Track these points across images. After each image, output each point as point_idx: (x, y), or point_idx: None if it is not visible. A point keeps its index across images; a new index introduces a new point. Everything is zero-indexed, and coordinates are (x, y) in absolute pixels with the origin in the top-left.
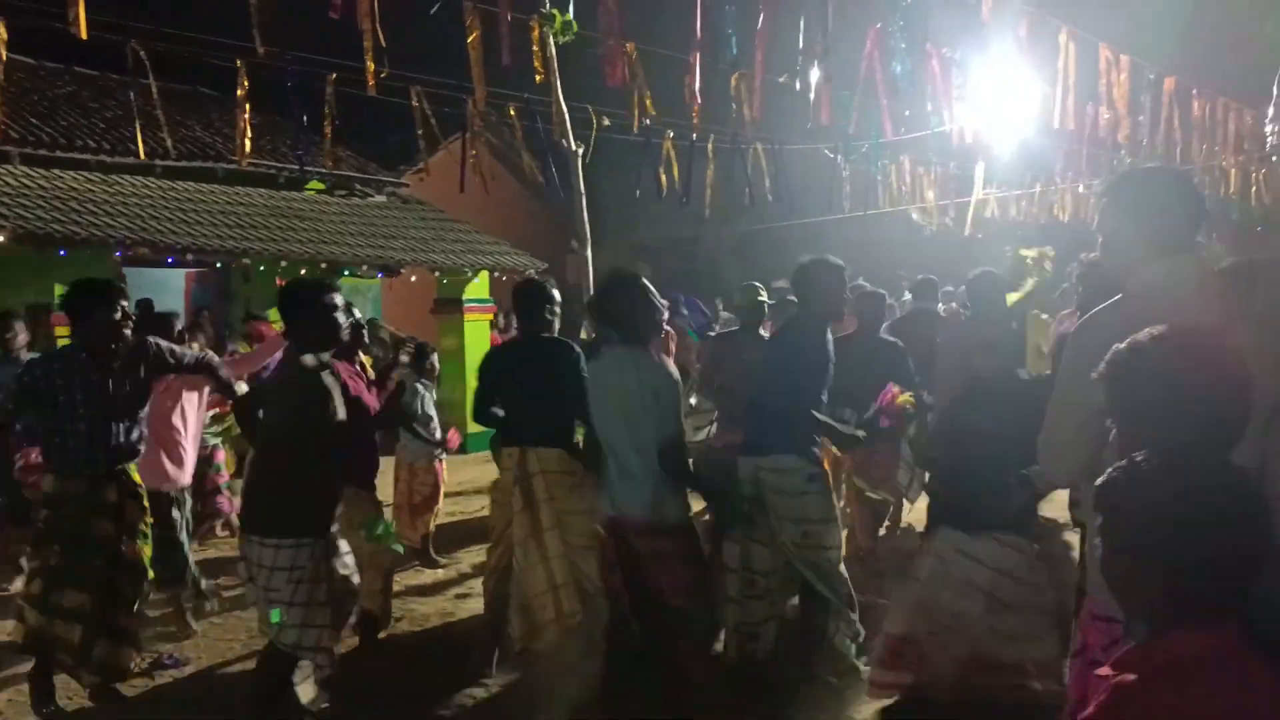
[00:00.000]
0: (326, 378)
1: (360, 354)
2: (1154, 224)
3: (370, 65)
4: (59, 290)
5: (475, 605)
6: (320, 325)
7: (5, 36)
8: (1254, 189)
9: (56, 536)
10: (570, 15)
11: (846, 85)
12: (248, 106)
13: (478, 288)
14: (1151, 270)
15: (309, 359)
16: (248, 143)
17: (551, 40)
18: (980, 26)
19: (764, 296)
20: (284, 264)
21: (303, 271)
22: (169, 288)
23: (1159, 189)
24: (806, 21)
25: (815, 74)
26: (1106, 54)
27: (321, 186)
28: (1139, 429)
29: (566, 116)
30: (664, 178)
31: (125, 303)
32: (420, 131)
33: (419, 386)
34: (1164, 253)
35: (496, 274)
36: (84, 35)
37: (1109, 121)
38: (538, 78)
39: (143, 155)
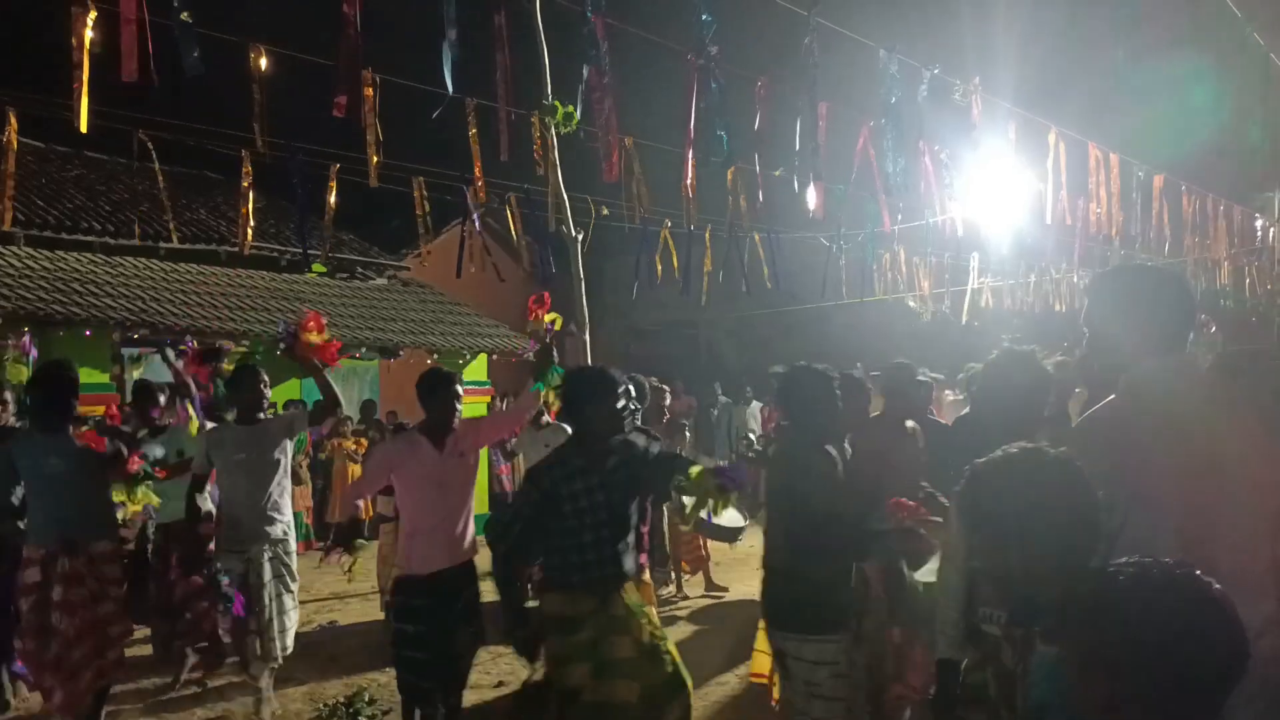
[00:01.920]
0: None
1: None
2: (1144, 322)
3: (373, 159)
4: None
5: (466, 697)
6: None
7: (15, 125)
8: (1248, 280)
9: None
10: (572, 107)
11: (841, 179)
12: (251, 195)
13: (475, 370)
14: (1142, 370)
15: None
16: (250, 231)
17: (552, 130)
18: (971, 126)
19: None
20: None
21: None
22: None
23: (1149, 286)
24: (800, 119)
25: (809, 171)
26: (1096, 153)
27: (324, 269)
28: (992, 546)
29: (566, 204)
30: (661, 266)
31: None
32: (420, 215)
33: None
34: (1155, 352)
35: (494, 356)
36: (84, 129)
37: (1100, 217)
38: (538, 170)
39: (141, 239)
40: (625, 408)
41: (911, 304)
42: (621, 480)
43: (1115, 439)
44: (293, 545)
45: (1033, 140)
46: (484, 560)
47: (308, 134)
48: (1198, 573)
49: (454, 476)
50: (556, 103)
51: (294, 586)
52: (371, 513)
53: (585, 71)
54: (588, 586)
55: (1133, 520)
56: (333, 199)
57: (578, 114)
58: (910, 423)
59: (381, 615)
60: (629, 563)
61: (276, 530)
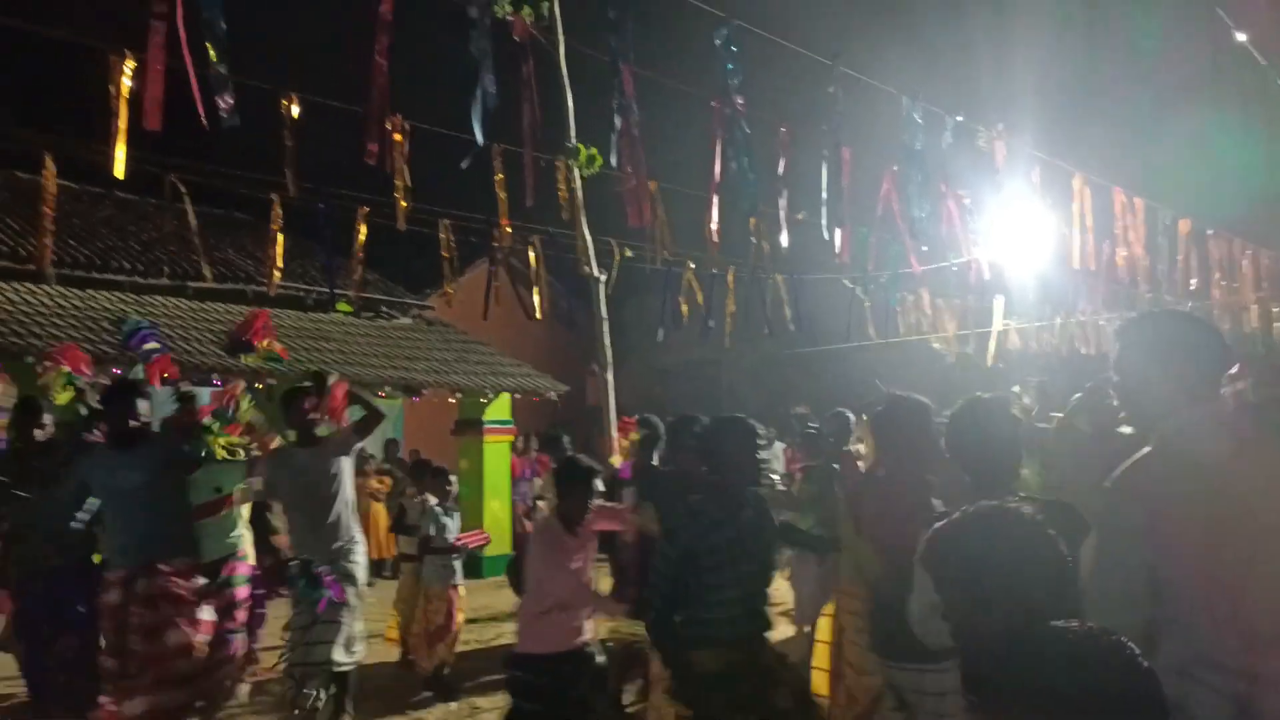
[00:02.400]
0: None
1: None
2: (1176, 371)
3: (401, 205)
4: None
5: None
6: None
7: (55, 170)
8: (1276, 325)
9: None
10: (595, 150)
11: (864, 222)
12: (280, 238)
13: (498, 409)
14: (1176, 424)
15: None
16: (277, 273)
17: (576, 172)
18: (994, 171)
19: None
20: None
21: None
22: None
23: (1181, 333)
24: (825, 164)
25: (834, 214)
26: (1121, 197)
27: (350, 309)
28: (958, 606)
29: (590, 245)
30: (685, 306)
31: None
32: (446, 257)
33: (436, 511)
34: (1188, 402)
35: (518, 395)
36: (120, 174)
37: (1125, 260)
38: (563, 213)
39: (170, 278)
40: (763, 459)
41: (936, 345)
42: (759, 530)
43: (1150, 493)
44: (358, 555)
45: (1057, 185)
46: (505, 600)
47: (334, 173)
48: (1125, 641)
49: (588, 559)
50: (580, 145)
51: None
52: (395, 551)
53: (615, 121)
54: (736, 642)
55: (1167, 576)
56: (360, 240)
57: (600, 158)
58: None
59: (395, 658)
60: (769, 613)
61: (340, 547)
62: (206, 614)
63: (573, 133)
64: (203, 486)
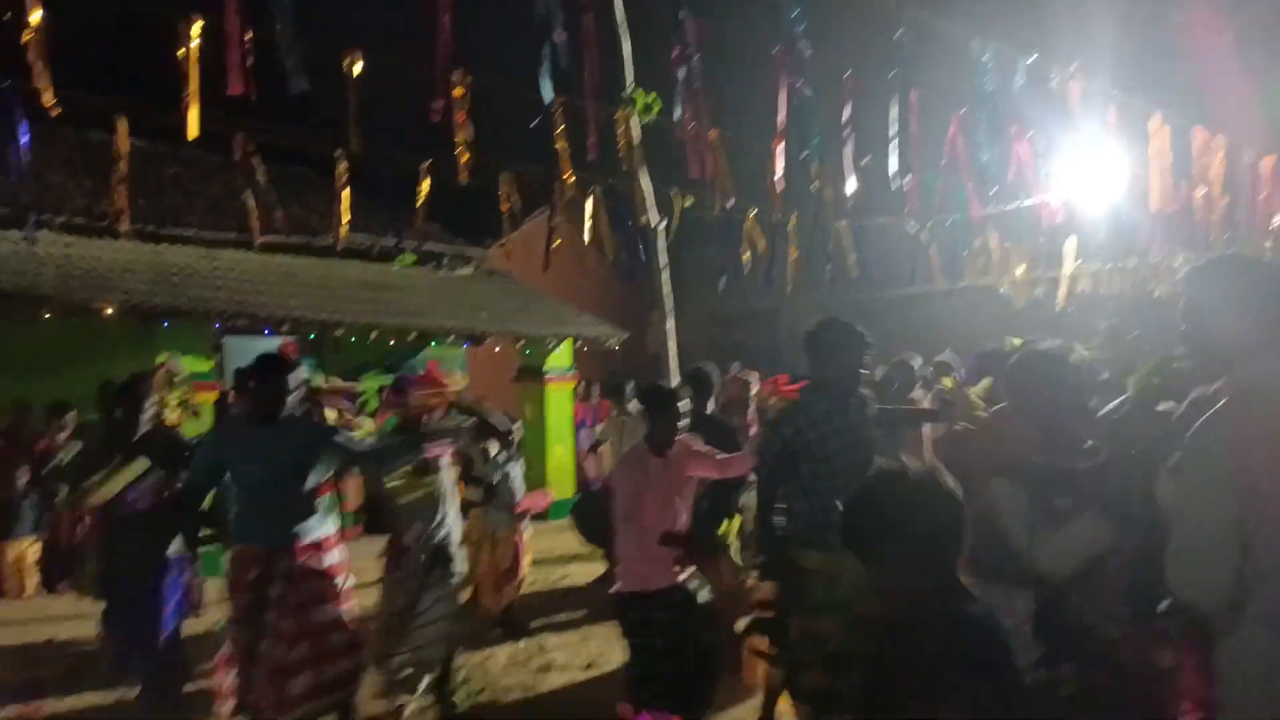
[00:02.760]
0: None
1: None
2: (1250, 318)
3: (463, 159)
4: (160, 359)
5: (556, 679)
6: None
7: (127, 131)
8: None
9: None
10: (654, 96)
11: (932, 165)
12: (344, 194)
13: (560, 357)
14: (1251, 373)
15: None
16: (344, 228)
17: (636, 119)
18: (1069, 113)
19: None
20: (374, 335)
21: (391, 342)
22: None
23: (1255, 279)
24: (891, 109)
25: (897, 162)
26: (1202, 136)
27: (413, 259)
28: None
29: (650, 193)
30: (746, 255)
31: None
32: (506, 212)
33: (499, 459)
34: (1261, 351)
35: (579, 343)
36: (192, 136)
37: (1204, 200)
38: (623, 165)
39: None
40: (865, 366)
41: (1003, 289)
42: (862, 429)
43: (1235, 441)
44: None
45: (1134, 125)
46: (569, 542)
47: (397, 128)
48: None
49: (676, 489)
50: (639, 92)
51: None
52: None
53: (677, 73)
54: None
55: (1257, 526)
56: (423, 195)
57: (659, 103)
58: None
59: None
60: None
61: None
62: (346, 587)
63: (630, 80)
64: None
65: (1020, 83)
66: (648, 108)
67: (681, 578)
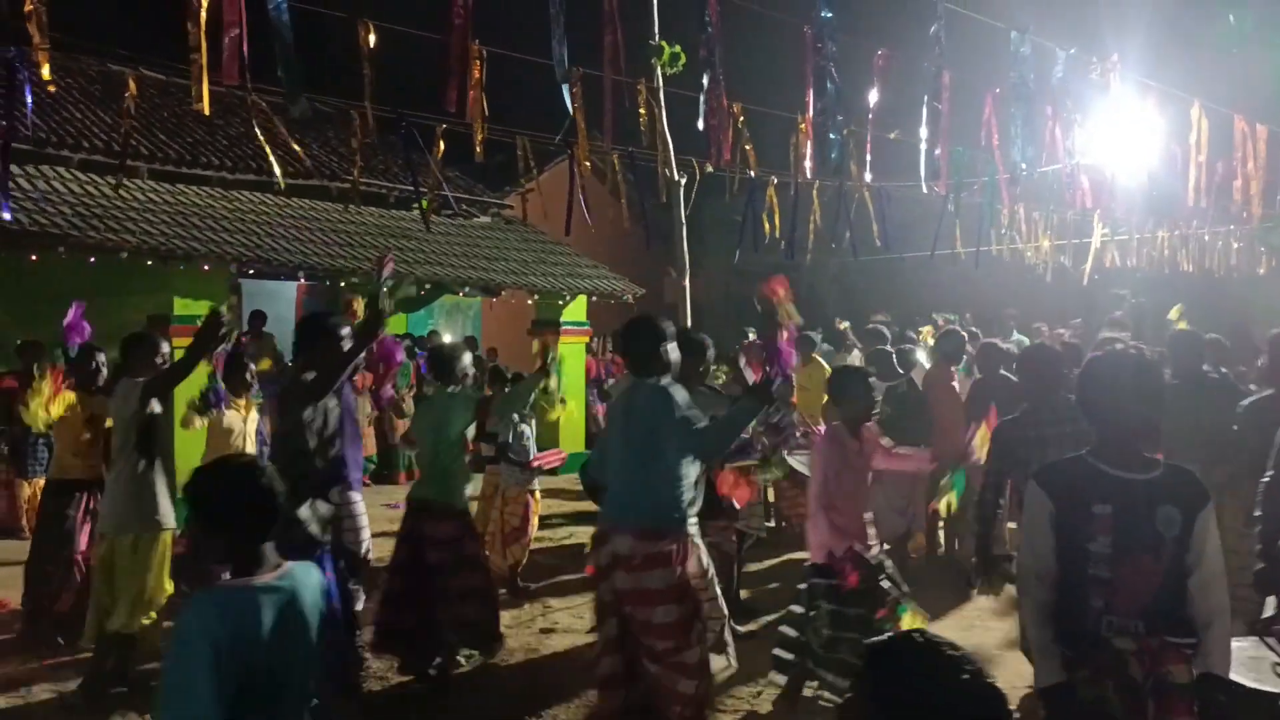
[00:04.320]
0: None
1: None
2: None
3: (479, 135)
4: (178, 303)
5: (559, 642)
6: None
7: (135, 91)
8: None
9: None
10: (679, 47)
11: (959, 141)
12: (360, 152)
13: (574, 310)
14: None
15: None
16: (358, 172)
17: (659, 70)
18: (1108, 102)
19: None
20: (390, 282)
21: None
22: (281, 299)
23: None
24: (920, 88)
25: (926, 133)
26: (1242, 126)
27: (430, 207)
28: None
29: (671, 147)
30: (767, 225)
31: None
32: (524, 166)
33: (514, 418)
34: None
35: (594, 298)
36: (206, 110)
37: (1241, 187)
38: (642, 127)
39: (280, 177)
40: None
41: (1029, 257)
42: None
43: None
44: None
45: (1174, 115)
46: (578, 500)
47: (416, 83)
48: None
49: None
50: (663, 43)
51: None
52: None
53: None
54: None
55: None
56: (439, 152)
57: (685, 55)
58: None
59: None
60: None
61: None
62: None
63: (656, 30)
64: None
65: (1059, 75)
66: (674, 59)
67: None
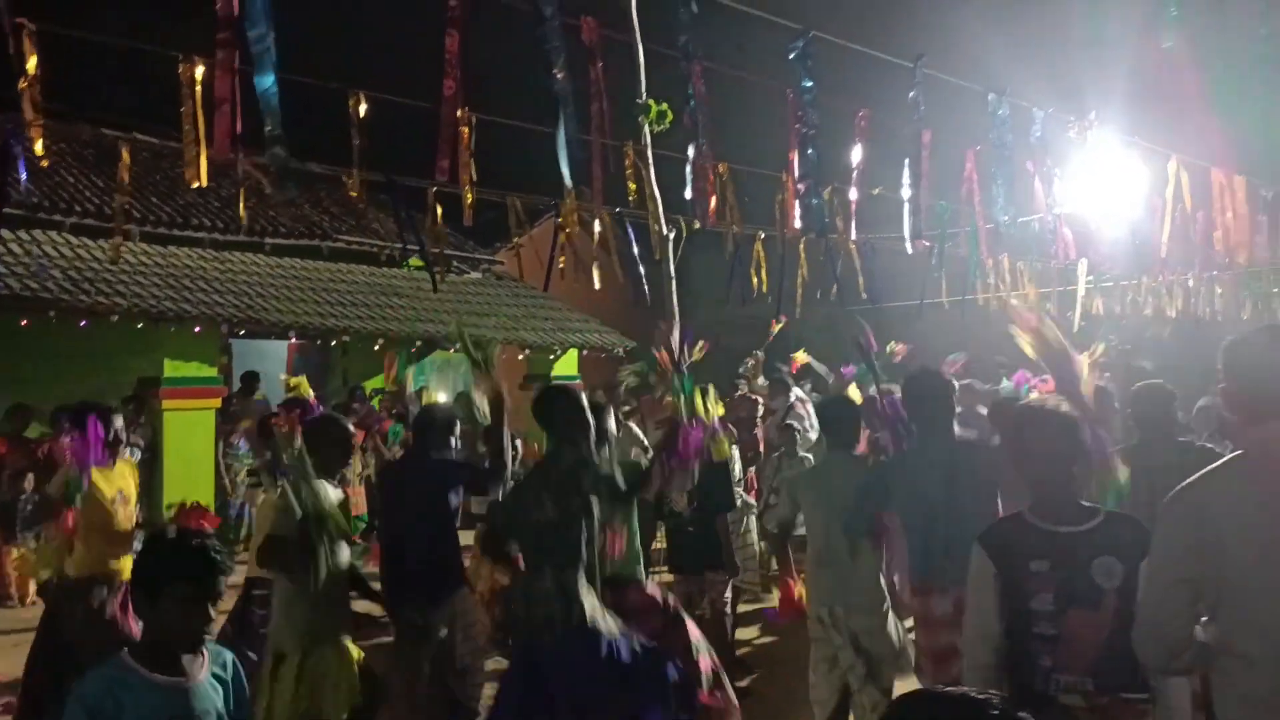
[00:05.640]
0: None
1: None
2: (1266, 388)
3: (468, 198)
4: (169, 364)
5: None
6: None
7: (129, 160)
8: None
9: None
10: (666, 105)
11: (942, 196)
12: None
13: (566, 364)
14: (1261, 434)
15: None
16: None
17: (646, 128)
18: (1085, 158)
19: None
20: (381, 341)
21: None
22: (271, 357)
23: (1275, 351)
24: (900, 146)
25: (908, 192)
26: (1219, 178)
27: (420, 264)
28: None
29: (659, 202)
30: (755, 280)
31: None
32: (514, 229)
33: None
34: (1277, 416)
35: (585, 351)
36: (204, 183)
37: (1221, 238)
38: (629, 184)
39: (248, 234)
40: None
41: (1014, 302)
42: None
43: (1224, 503)
44: None
45: (1153, 169)
46: None
47: (407, 144)
48: None
49: None
50: (651, 101)
51: None
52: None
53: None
54: None
55: (1233, 589)
56: (436, 217)
57: (671, 114)
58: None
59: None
60: None
61: None
62: None
63: (644, 89)
64: None
65: (1038, 135)
66: (661, 115)
67: None
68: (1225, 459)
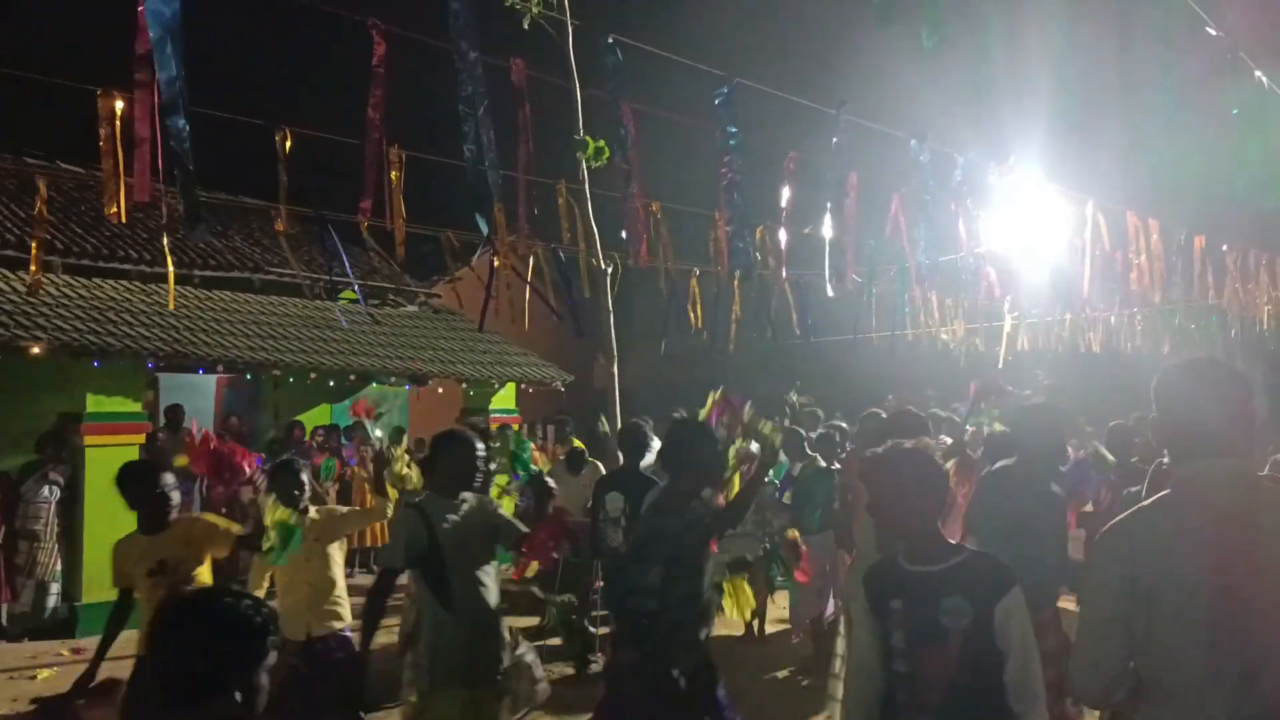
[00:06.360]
0: None
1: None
2: (1193, 425)
3: (400, 234)
4: (91, 399)
5: None
6: None
7: (46, 195)
8: None
9: None
10: (603, 142)
11: (870, 234)
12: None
13: (504, 398)
14: (1187, 472)
15: None
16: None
17: (584, 164)
18: (1005, 201)
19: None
20: (312, 376)
21: (330, 383)
22: (200, 392)
23: (1203, 387)
24: (827, 188)
25: (831, 230)
26: (1134, 220)
27: (355, 296)
28: None
29: (597, 238)
30: (691, 315)
31: None
32: (452, 263)
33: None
34: (1205, 454)
35: (523, 385)
36: (123, 218)
37: (1137, 278)
38: (565, 235)
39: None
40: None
41: (944, 336)
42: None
43: (1151, 540)
44: None
45: (1071, 211)
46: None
47: (337, 178)
48: None
49: None
50: (588, 138)
51: None
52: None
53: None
54: None
55: (1160, 625)
56: (368, 249)
57: (608, 150)
58: None
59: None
60: None
61: None
62: None
63: (580, 126)
64: None
65: (958, 179)
66: (599, 152)
67: None
68: (1155, 497)
